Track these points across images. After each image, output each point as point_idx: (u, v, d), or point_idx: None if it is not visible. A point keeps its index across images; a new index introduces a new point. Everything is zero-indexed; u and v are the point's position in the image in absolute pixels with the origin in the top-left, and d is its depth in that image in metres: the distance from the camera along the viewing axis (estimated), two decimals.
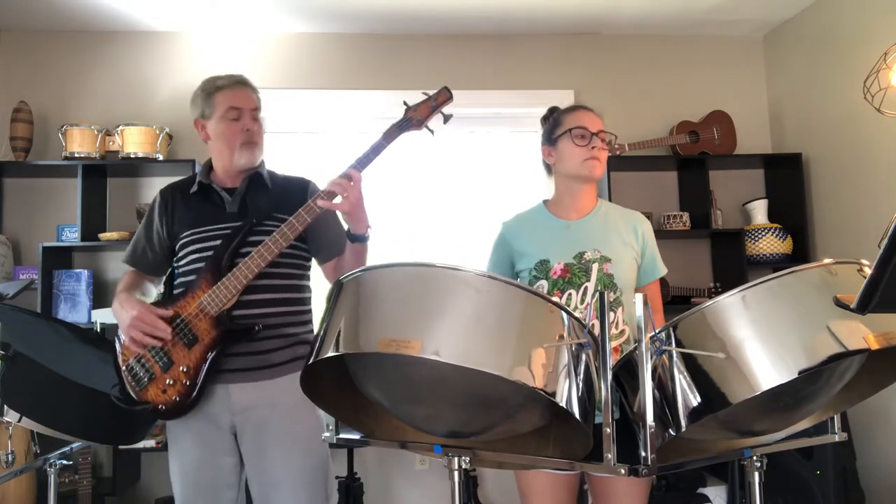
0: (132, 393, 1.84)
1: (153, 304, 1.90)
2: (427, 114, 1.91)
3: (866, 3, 3.19)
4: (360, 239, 1.89)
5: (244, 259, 1.82)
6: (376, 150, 1.87)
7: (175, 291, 1.93)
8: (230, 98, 1.94)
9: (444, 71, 3.78)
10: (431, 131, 1.92)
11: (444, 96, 1.92)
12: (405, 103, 1.92)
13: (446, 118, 1.93)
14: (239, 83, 1.98)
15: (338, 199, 1.82)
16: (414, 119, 1.90)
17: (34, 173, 3.49)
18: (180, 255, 1.97)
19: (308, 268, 2.05)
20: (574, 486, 1.87)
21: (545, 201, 2.00)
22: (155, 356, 1.83)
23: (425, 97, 1.92)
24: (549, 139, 1.96)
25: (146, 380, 1.83)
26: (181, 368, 1.81)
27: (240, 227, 1.89)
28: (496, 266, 1.97)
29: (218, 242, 1.89)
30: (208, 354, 1.81)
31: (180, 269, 1.96)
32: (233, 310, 1.83)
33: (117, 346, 1.90)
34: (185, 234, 1.95)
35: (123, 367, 1.87)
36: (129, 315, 1.84)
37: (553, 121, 1.97)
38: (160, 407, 1.83)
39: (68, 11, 3.42)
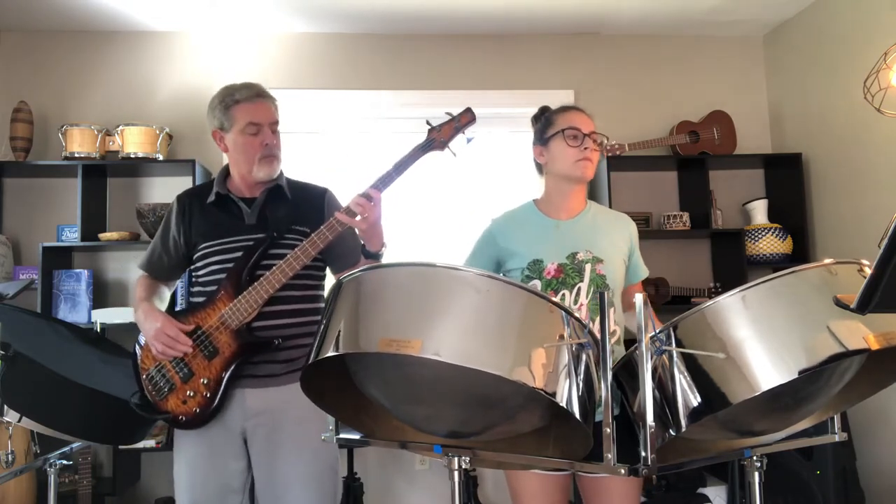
0: (152, 402, 1.86)
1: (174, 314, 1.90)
2: (450, 135, 1.89)
3: (866, 3, 3.19)
4: (374, 256, 1.90)
5: (265, 274, 1.82)
6: (399, 170, 1.86)
7: (194, 300, 1.94)
8: (249, 113, 1.91)
9: (444, 71, 3.78)
10: (454, 153, 1.90)
11: (468, 118, 1.89)
12: (428, 122, 1.90)
13: (469, 140, 1.91)
14: (258, 96, 1.94)
15: (357, 217, 1.82)
16: (437, 140, 1.89)
17: (34, 173, 3.49)
18: (198, 264, 1.96)
19: (323, 277, 2.04)
20: (566, 486, 1.87)
21: (535, 200, 2.00)
22: (175, 367, 1.85)
23: (449, 118, 1.90)
24: (541, 139, 1.96)
25: (166, 390, 1.85)
26: (202, 380, 1.83)
27: (261, 240, 1.89)
28: (476, 262, 1.97)
29: (238, 254, 1.88)
30: (228, 366, 1.82)
31: (199, 279, 1.97)
32: (253, 322, 1.84)
33: (138, 352, 1.91)
34: (203, 244, 1.95)
35: (143, 376, 1.88)
36: (152, 327, 1.85)
37: (545, 120, 1.97)
38: (180, 418, 1.84)
39: (68, 11, 3.42)
